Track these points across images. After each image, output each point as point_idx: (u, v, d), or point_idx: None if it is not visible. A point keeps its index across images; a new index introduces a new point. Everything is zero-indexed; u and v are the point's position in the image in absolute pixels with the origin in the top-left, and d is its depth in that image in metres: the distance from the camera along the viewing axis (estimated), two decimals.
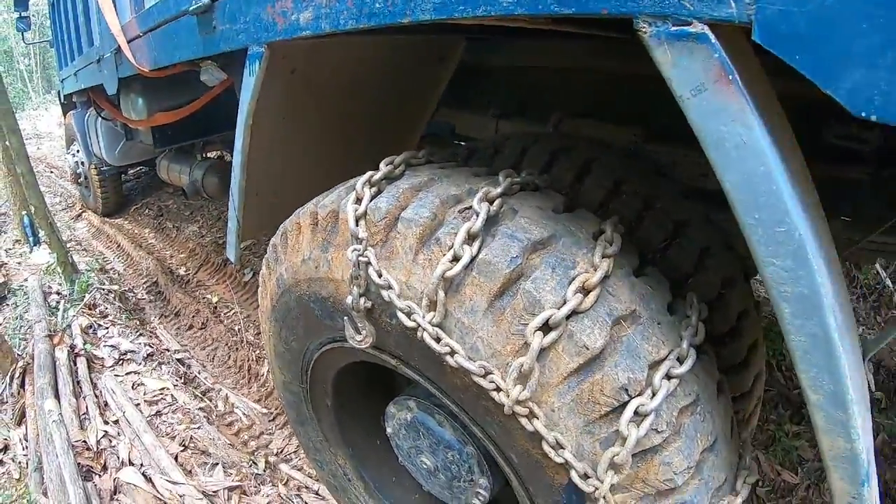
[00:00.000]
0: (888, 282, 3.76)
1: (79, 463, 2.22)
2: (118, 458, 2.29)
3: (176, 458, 2.30)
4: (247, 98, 1.55)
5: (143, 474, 2.16)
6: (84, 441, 2.35)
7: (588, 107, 1.86)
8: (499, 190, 1.04)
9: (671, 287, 1.05)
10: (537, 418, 0.89)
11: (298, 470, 2.38)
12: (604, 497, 0.88)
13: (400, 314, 1.03)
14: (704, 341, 1.00)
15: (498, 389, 0.91)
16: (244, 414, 2.73)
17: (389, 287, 1.05)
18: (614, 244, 0.94)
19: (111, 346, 3.06)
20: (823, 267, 0.70)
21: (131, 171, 5.90)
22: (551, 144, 1.38)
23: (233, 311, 3.54)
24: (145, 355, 3.05)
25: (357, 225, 1.13)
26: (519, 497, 1.11)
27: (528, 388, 0.87)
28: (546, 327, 0.87)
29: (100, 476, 2.23)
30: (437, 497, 1.62)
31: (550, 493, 1.00)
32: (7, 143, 3.74)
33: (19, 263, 4.53)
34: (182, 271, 4.19)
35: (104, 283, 3.82)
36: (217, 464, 2.25)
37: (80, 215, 5.86)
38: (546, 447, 0.89)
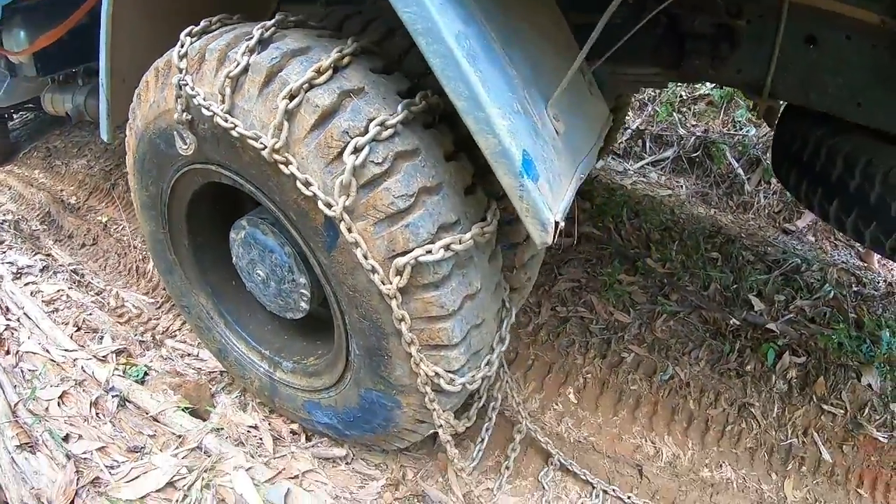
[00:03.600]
0: (739, 171, 4.26)
1: None
2: (19, 342, 2.50)
3: (74, 339, 2.55)
4: None
5: (43, 348, 2.40)
6: None
7: None
8: (272, 21, 1.38)
9: None
10: (292, 164, 1.25)
11: (182, 342, 2.68)
12: (343, 218, 1.23)
13: (203, 110, 1.36)
14: (440, 124, 1.38)
15: (264, 147, 1.26)
16: (133, 305, 2.97)
17: (197, 95, 1.38)
18: (350, 47, 1.29)
19: (8, 262, 3.19)
20: (450, 12, 1.05)
21: (17, 119, 5.74)
22: (348, 11, 1.71)
23: (121, 226, 3.74)
24: (41, 268, 3.20)
25: (180, 61, 1.46)
26: (306, 253, 1.48)
27: (282, 140, 1.23)
28: (291, 96, 1.22)
29: (3, 357, 2.45)
30: (280, 318, 1.98)
31: (317, 235, 1.37)
32: None
33: None
34: (73, 200, 4.29)
35: None
36: (104, 333, 2.52)
37: None
38: (299, 185, 1.24)
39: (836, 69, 1.67)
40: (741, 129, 4.61)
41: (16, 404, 2.04)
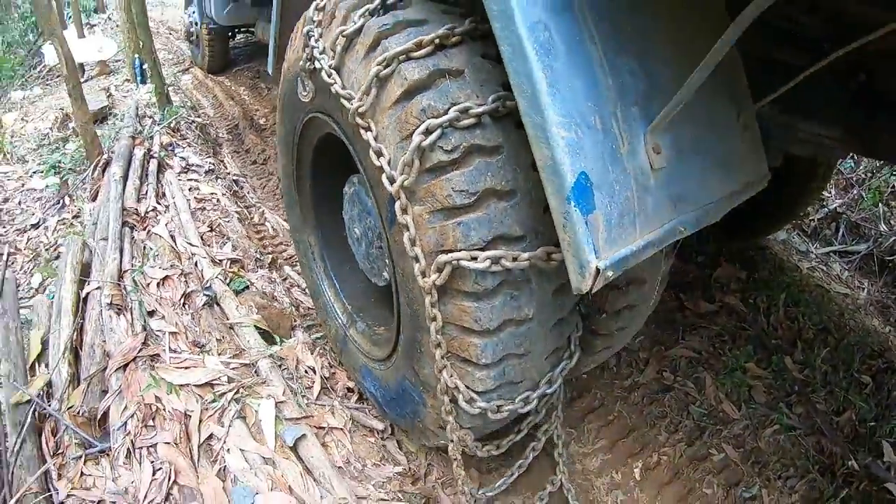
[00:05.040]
0: None
1: (125, 221, 2.83)
2: (157, 224, 2.90)
3: (202, 237, 2.88)
4: None
5: (170, 235, 2.75)
6: (136, 209, 2.96)
7: None
8: None
9: None
10: (370, 131, 1.23)
11: (297, 273, 2.87)
12: (399, 197, 1.20)
13: (317, 62, 1.40)
14: None
15: (353, 109, 1.26)
16: (272, 227, 3.27)
17: (317, 47, 1.43)
18: (465, 27, 1.22)
19: (182, 157, 3.70)
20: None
21: (240, 39, 6.63)
22: None
23: None
24: (208, 169, 3.67)
25: (316, 13, 1.54)
26: (380, 220, 1.48)
27: (366, 104, 1.22)
28: (386, 64, 1.20)
29: (139, 231, 2.85)
30: (369, 279, 2.02)
31: (386, 207, 1.35)
32: None
33: (125, 96, 5.35)
34: (262, 121, 4.83)
35: (191, 116, 4.51)
36: (229, 242, 2.80)
37: (187, 69, 6.69)
38: (372, 154, 1.23)
39: None
40: None
41: (125, 271, 2.37)
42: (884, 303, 3.61)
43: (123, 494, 1.69)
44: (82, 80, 5.92)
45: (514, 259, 1.19)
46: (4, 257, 2.73)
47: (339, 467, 1.93)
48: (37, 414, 1.91)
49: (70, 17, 6.52)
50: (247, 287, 2.55)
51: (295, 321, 2.47)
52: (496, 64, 1.24)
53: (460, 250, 1.18)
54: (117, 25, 7.33)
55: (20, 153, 4.28)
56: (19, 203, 3.66)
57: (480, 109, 1.14)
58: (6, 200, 3.70)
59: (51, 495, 1.72)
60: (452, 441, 1.55)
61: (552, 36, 0.95)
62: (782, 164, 2.88)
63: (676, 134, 1.13)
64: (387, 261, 1.72)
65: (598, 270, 1.00)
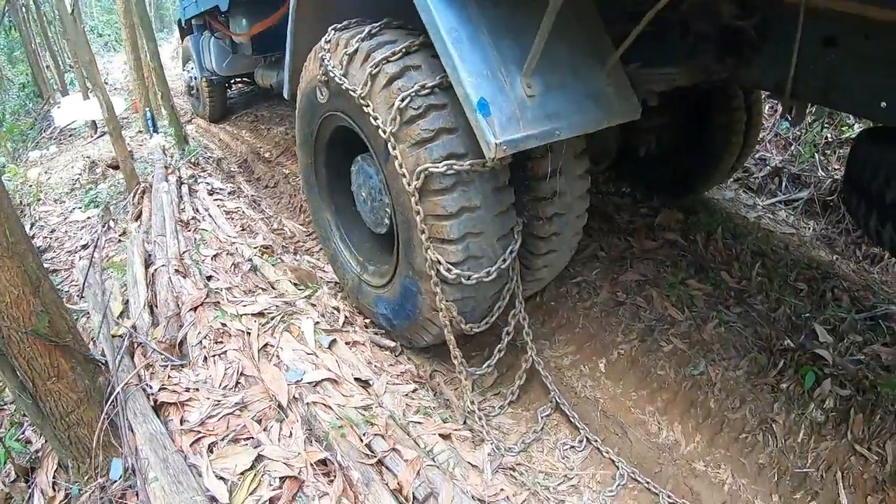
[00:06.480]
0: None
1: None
2: (199, 225, 4.05)
3: (237, 234, 4.03)
4: None
5: (213, 230, 3.90)
6: (180, 218, 4.13)
7: None
8: (380, 23, 2.56)
9: None
10: (369, 106, 2.38)
11: (315, 259, 4.03)
12: (390, 139, 2.32)
13: (331, 72, 2.58)
14: None
15: (356, 95, 2.43)
16: (290, 230, 4.45)
17: (330, 64, 2.61)
18: (419, 40, 2.38)
19: (206, 183, 4.92)
20: (449, 16, 2.11)
21: (235, 90, 8.01)
22: None
23: (299, 178, 5.28)
24: (230, 192, 4.88)
25: (325, 44, 2.71)
26: (376, 163, 2.62)
27: (365, 91, 2.38)
28: (374, 66, 2.36)
29: (185, 231, 4.00)
30: (374, 235, 3.14)
31: (381, 151, 2.49)
32: (145, 47, 5.81)
33: (140, 145, 6.69)
34: (267, 155, 6.14)
35: (207, 153, 5.78)
36: (258, 235, 3.95)
37: (190, 120, 8.12)
38: (371, 119, 2.37)
39: (857, 70, 1.89)
40: None
41: (184, 252, 3.51)
42: (828, 237, 4.38)
43: (203, 384, 2.55)
44: (96, 135, 7.27)
45: (461, 165, 2.30)
46: (92, 247, 3.86)
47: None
48: (129, 343, 2.76)
49: (72, 83, 7.92)
50: (278, 262, 3.68)
51: (319, 281, 3.59)
52: (437, 59, 2.41)
53: (427, 163, 2.30)
54: (115, 89, 8.80)
55: (54, 197, 5.52)
56: (65, 232, 4.87)
57: (432, 83, 2.29)
58: (53, 231, 4.90)
59: (145, 388, 2.51)
60: (442, 309, 2.62)
61: (460, 34, 2.09)
62: (700, 120, 3.97)
63: (543, 77, 2.21)
64: (385, 202, 2.82)
65: (496, 145, 2.09)
